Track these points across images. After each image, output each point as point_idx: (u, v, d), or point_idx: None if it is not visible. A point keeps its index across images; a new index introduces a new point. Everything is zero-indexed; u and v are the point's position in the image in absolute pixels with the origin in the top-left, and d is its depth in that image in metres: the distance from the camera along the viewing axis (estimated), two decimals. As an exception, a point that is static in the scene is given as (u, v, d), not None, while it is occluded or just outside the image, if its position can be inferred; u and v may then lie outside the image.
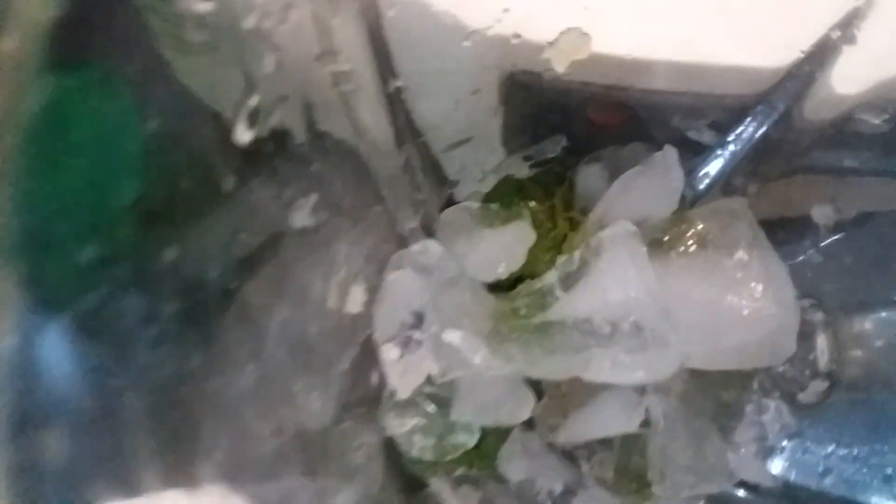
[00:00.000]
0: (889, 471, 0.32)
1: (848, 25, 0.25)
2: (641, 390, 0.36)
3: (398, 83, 0.26)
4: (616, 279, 0.33)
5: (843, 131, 0.29)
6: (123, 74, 0.15)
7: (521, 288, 0.36)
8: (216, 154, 0.18)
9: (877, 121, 0.27)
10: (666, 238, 0.36)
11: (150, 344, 0.15)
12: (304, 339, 0.30)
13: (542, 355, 0.35)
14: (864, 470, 0.32)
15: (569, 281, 0.34)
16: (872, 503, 0.32)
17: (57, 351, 0.13)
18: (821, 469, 0.33)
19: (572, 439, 0.37)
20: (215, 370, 0.19)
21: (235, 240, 0.20)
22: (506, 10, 0.26)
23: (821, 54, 0.26)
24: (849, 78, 0.26)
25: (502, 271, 0.37)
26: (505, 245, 0.38)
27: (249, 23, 0.18)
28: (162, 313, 0.15)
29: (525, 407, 0.37)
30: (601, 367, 0.33)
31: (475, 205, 0.39)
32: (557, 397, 0.37)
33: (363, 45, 0.22)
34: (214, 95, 0.19)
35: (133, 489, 0.15)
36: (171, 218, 0.16)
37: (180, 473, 0.17)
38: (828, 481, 0.33)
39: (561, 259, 0.35)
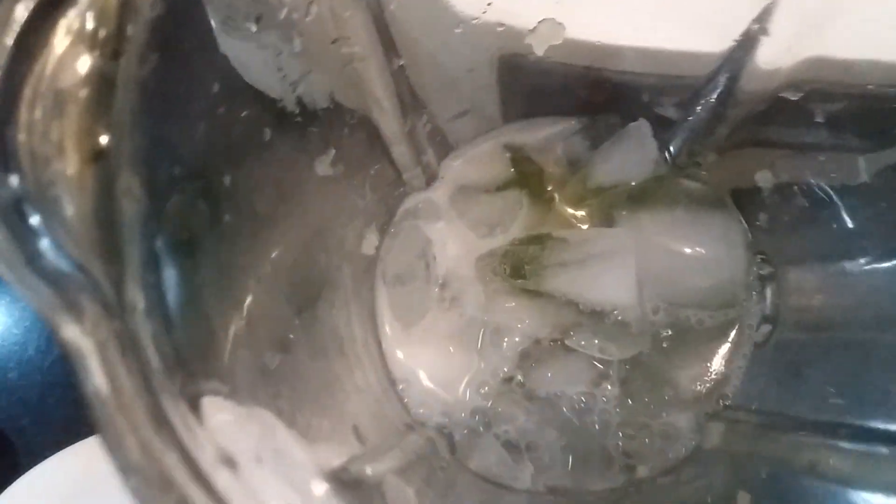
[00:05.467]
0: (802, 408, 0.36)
1: (762, 20, 0.30)
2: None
3: (401, 62, 0.33)
4: (612, 284, 0.39)
5: (776, 110, 0.35)
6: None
7: (516, 250, 0.42)
8: (256, 112, 0.25)
9: (794, 98, 0.33)
10: (644, 196, 0.42)
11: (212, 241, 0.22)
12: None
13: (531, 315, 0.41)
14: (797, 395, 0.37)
15: (569, 265, 0.40)
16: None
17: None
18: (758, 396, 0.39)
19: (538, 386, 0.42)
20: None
21: (275, 178, 0.27)
22: (489, 4, 0.33)
23: (746, 42, 0.32)
24: (771, 62, 0.32)
25: (496, 233, 0.44)
26: (498, 209, 0.44)
27: (282, 15, 0.25)
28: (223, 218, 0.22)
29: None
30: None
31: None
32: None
33: (370, 31, 0.29)
34: (254, 71, 0.26)
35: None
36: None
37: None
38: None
39: (563, 237, 0.41)
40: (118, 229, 0.17)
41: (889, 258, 0.35)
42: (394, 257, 0.43)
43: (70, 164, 0.17)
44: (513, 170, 0.44)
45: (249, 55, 0.25)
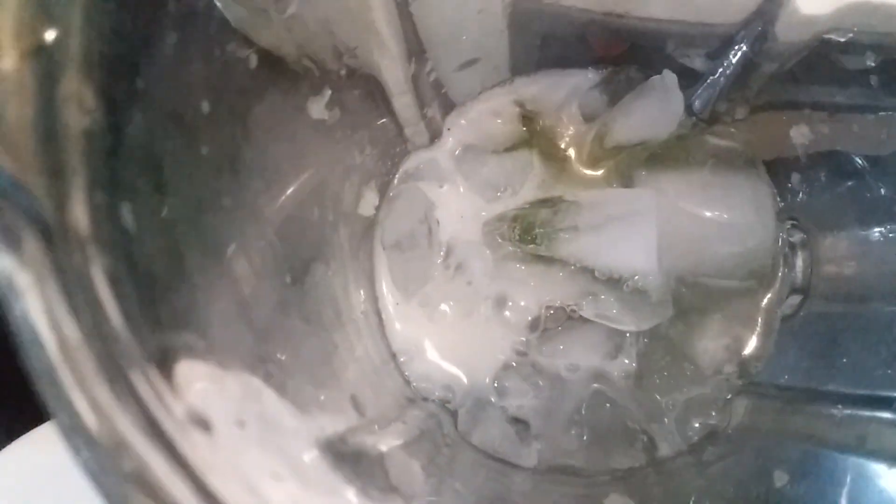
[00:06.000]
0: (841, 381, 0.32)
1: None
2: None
3: (405, -8, 0.30)
4: (631, 249, 0.36)
5: (809, 66, 0.32)
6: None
7: (527, 213, 0.39)
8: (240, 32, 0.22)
9: (842, 39, 0.30)
10: (666, 155, 0.39)
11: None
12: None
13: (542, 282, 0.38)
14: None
15: (583, 228, 0.37)
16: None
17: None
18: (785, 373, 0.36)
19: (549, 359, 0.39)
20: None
21: (262, 113, 0.24)
22: (506, -69, 0.29)
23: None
24: (812, 3, 0.29)
25: (504, 196, 0.40)
26: (507, 171, 0.41)
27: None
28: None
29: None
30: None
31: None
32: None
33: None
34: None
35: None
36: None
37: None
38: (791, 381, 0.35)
39: (578, 200, 0.38)
40: (62, 141, 0.13)
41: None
42: (393, 221, 0.39)
43: (6, 59, 0.14)
44: (523, 127, 0.41)
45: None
